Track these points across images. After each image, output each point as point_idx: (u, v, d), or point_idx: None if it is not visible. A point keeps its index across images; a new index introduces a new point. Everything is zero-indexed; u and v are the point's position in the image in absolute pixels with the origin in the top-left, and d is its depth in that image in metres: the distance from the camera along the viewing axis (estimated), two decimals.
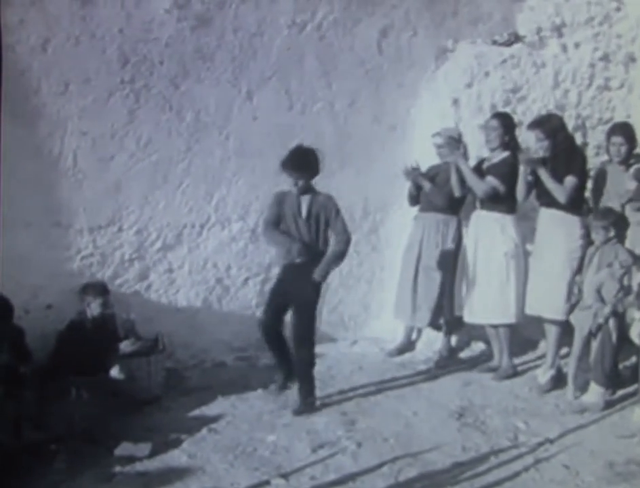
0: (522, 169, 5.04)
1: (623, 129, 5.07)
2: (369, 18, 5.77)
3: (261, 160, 5.49)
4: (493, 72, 5.93)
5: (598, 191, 5.13)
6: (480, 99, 5.87)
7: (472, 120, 5.81)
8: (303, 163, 4.50)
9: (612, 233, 4.73)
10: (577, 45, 6.08)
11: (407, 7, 5.86)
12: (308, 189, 4.55)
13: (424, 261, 5.46)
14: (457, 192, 5.36)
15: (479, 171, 5.25)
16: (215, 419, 4.47)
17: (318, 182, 5.58)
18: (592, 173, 5.34)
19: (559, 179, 4.89)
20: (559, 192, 4.88)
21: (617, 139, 4.99)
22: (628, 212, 4.90)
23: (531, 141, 5.19)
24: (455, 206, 5.49)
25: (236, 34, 5.42)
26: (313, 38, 5.64)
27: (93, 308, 4.78)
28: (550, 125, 5.00)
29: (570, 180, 4.88)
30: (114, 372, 4.57)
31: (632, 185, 4.87)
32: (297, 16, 5.56)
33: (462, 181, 5.30)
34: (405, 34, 5.90)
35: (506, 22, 6.14)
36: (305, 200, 4.55)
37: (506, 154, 5.21)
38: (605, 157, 5.72)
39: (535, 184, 5.07)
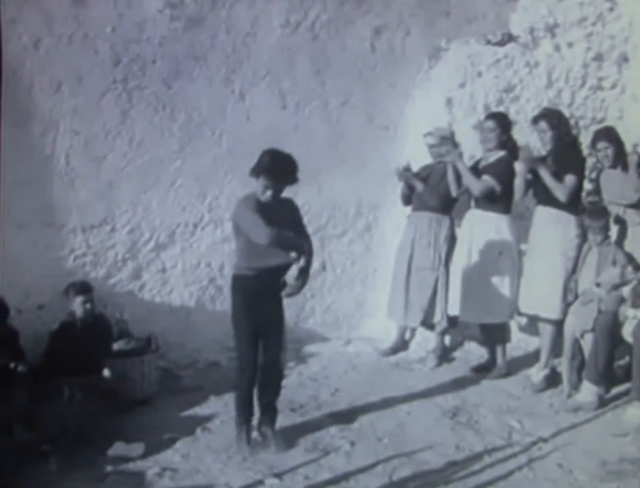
0: (520, 167, 5.05)
1: (605, 133, 5.09)
2: (362, 18, 5.78)
3: (254, 160, 5.41)
4: (487, 72, 5.94)
5: (609, 194, 5.08)
6: (473, 98, 5.89)
7: (465, 120, 5.82)
8: (290, 170, 3.87)
9: (608, 233, 4.74)
10: (570, 45, 6.09)
11: (401, 7, 5.87)
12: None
13: (417, 260, 5.45)
14: (454, 192, 5.37)
15: (475, 170, 5.25)
16: (208, 418, 4.47)
17: (311, 182, 5.62)
18: (593, 175, 5.34)
19: (559, 177, 4.91)
20: (560, 190, 4.89)
21: (602, 144, 5.00)
22: None
23: (529, 140, 5.18)
24: (448, 205, 5.49)
25: (229, 34, 5.42)
26: (306, 38, 5.65)
27: (76, 306, 4.74)
28: (556, 118, 5.05)
29: (570, 179, 4.90)
30: (105, 372, 4.56)
31: None
32: (291, 16, 5.57)
33: (459, 180, 5.31)
34: (398, 34, 5.91)
35: (500, 22, 6.15)
36: (279, 204, 3.94)
37: (502, 153, 5.21)
38: None
39: (533, 182, 5.09)
